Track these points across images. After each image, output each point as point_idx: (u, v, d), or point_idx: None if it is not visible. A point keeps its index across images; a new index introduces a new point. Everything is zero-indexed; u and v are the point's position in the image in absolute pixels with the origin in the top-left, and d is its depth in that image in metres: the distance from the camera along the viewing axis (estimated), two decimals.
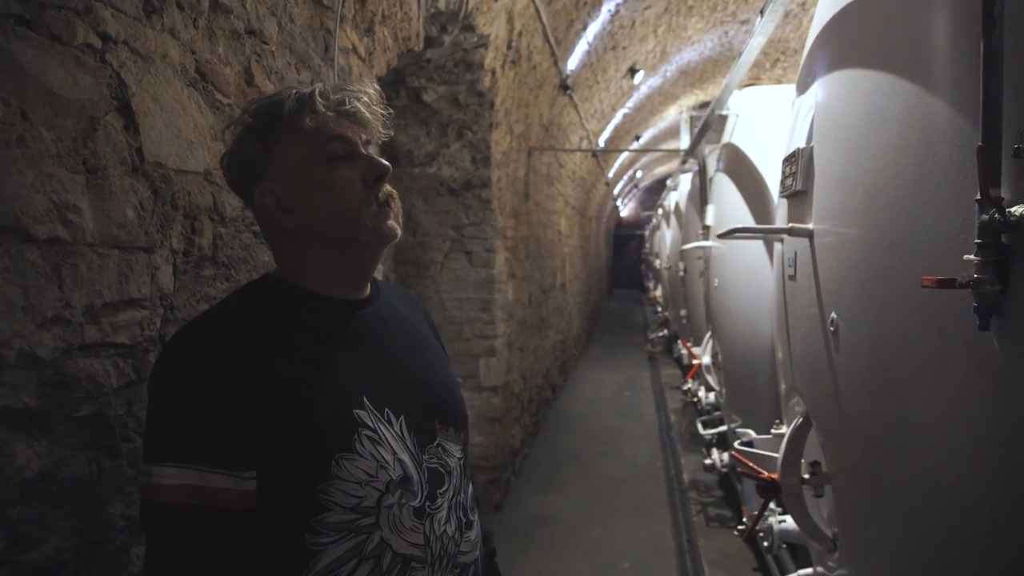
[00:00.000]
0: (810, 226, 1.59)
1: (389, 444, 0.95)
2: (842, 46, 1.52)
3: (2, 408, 0.87)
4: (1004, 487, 0.97)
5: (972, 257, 0.94)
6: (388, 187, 1.03)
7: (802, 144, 1.67)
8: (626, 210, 24.02)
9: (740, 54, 2.67)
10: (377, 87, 1.06)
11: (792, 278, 1.77)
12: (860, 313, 1.35)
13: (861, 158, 1.35)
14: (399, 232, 1.03)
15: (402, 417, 0.98)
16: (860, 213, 1.35)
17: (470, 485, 1.12)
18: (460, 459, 1.08)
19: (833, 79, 1.54)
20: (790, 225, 1.65)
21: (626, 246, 24.10)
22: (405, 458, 0.96)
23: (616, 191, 17.02)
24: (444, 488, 1.01)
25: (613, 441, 5.97)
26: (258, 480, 0.87)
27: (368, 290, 1.08)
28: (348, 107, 1.00)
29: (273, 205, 0.98)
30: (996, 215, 0.89)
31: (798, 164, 1.66)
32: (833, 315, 1.44)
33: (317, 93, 0.98)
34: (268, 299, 0.99)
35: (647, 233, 17.31)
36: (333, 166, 0.98)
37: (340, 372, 0.96)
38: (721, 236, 1.98)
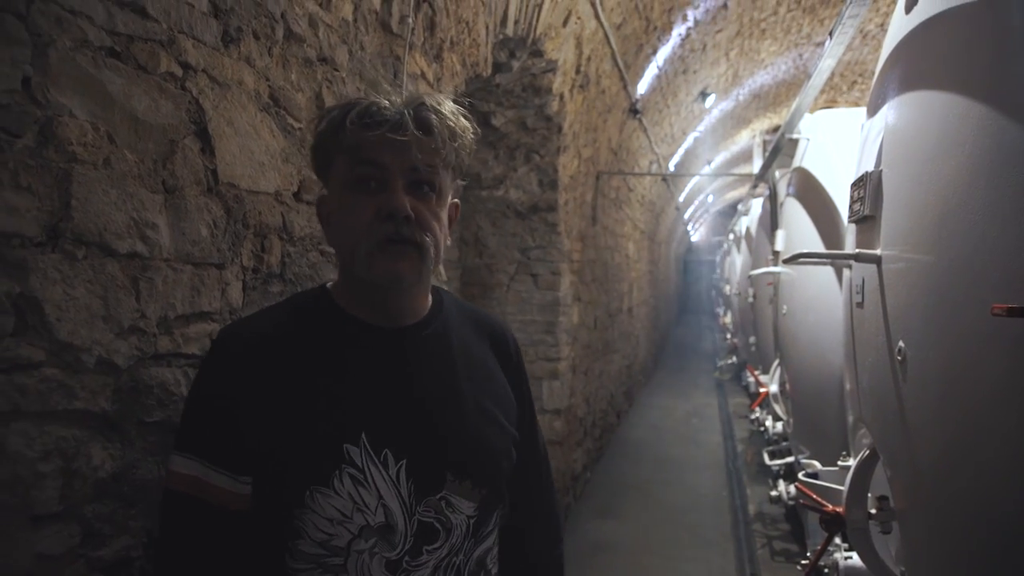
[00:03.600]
0: (878, 252, 1.54)
1: (375, 488, 0.90)
2: (913, 67, 1.48)
3: (81, 411, 0.93)
4: None
5: None
6: (418, 228, 0.93)
7: (871, 168, 1.62)
8: (697, 235, 23.66)
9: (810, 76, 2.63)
10: (452, 104, 0.99)
11: (860, 305, 1.72)
12: (929, 342, 1.30)
13: (931, 182, 1.31)
14: (406, 277, 0.94)
15: (403, 462, 0.92)
16: (929, 239, 1.30)
17: (481, 548, 1.01)
18: (471, 517, 0.97)
19: (903, 101, 1.50)
20: (857, 251, 1.60)
21: (697, 271, 23.72)
22: (393, 506, 0.91)
23: (687, 216, 16.81)
24: (436, 545, 0.94)
25: (677, 469, 5.85)
26: (252, 486, 0.91)
27: (419, 316, 1.02)
28: (390, 126, 0.90)
29: (325, 216, 1.02)
30: None
31: (866, 188, 1.62)
32: (901, 344, 1.39)
33: (359, 108, 0.92)
34: (310, 314, 1.00)
35: (718, 259, 16.99)
36: (356, 189, 0.94)
37: (349, 402, 0.93)
38: (786, 261, 1.94)
